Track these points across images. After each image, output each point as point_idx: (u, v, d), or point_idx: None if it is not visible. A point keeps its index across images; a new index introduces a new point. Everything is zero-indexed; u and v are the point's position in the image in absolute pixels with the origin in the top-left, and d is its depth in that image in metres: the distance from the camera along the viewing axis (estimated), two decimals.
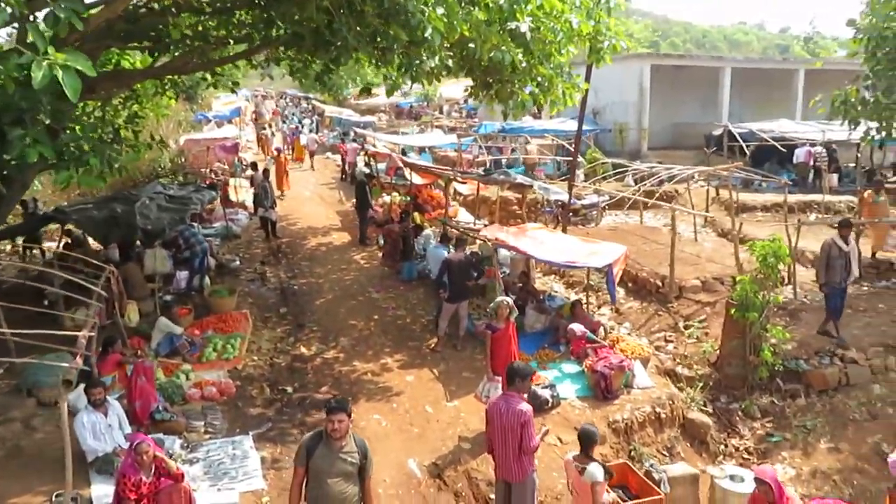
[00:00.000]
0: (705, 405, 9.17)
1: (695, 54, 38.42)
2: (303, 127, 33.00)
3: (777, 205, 18.87)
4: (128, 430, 7.45)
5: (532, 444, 5.82)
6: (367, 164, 21.53)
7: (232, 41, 11.11)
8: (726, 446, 8.81)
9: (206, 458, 7.52)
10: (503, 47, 9.25)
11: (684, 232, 16.96)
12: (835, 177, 20.17)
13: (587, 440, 5.57)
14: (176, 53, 10.65)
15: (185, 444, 7.72)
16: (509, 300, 8.13)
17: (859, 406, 8.95)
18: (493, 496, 7.23)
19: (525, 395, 6.16)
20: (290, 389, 9.28)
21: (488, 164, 20.22)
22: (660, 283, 12.40)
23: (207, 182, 18.46)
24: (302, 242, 16.69)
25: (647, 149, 25.49)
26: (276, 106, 51.14)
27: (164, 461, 6.03)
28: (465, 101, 45.56)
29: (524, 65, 9.82)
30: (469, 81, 11.39)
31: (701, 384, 9.34)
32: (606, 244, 10.88)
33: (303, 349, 10.64)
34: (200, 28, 10.76)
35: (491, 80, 10.90)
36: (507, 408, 5.90)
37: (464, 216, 17.96)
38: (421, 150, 24.14)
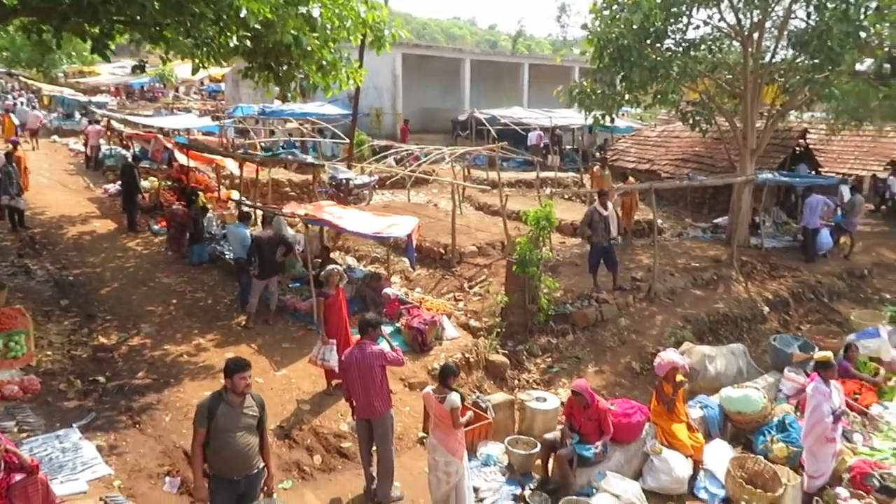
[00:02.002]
0: (499, 349, 10.69)
1: (439, 45, 41.33)
2: (23, 104, 28.93)
3: (519, 181, 21.69)
4: None
5: (398, 355, 6.88)
6: (126, 147, 19.98)
7: None
8: (519, 381, 10.41)
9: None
10: (293, 31, 9.69)
11: (447, 206, 18.79)
12: (558, 158, 23.66)
13: (446, 373, 6.51)
14: None
15: None
16: (339, 268, 8.72)
17: (612, 336, 11.19)
18: (343, 445, 7.91)
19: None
20: (102, 379, 8.79)
21: (259, 147, 20.13)
22: (442, 251, 13.81)
23: None
24: (59, 232, 15.14)
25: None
26: None
27: (15, 454, 5.69)
28: (202, 84, 43.52)
29: (309, 48, 10.33)
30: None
31: (497, 331, 10.82)
32: (401, 217, 11.92)
33: (102, 339, 10.02)
34: None
35: (273, 63, 11.19)
36: (362, 354, 6.66)
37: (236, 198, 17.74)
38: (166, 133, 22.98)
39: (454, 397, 6.41)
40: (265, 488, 5.52)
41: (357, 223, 10.84)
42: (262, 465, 5.46)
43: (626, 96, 14.79)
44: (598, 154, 25.32)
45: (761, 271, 14.48)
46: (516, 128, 22.59)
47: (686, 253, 14.82)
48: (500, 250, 14.09)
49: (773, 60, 15.17)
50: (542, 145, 23.75)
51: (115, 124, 22.58)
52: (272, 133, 24.78)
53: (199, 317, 10.98)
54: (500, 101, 29.78)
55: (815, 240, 15.35)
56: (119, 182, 16.69)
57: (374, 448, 6.89)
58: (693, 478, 7.53)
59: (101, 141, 22.33)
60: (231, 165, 16.34)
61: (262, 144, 23.35)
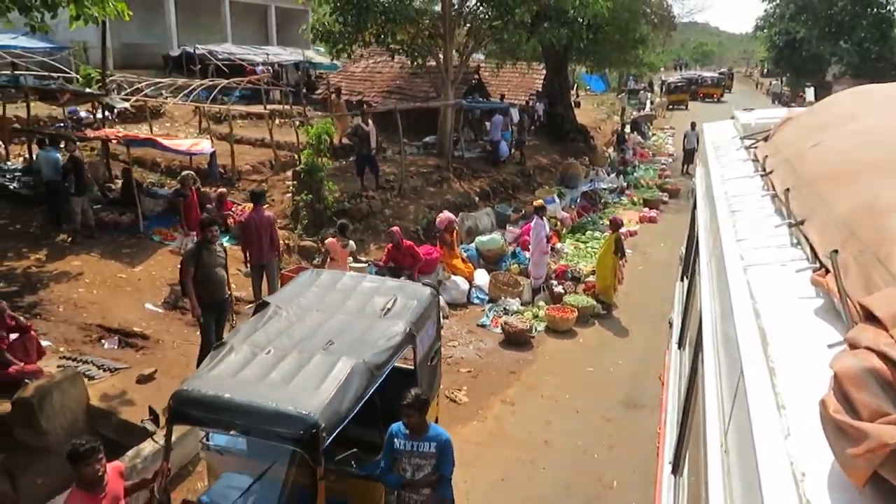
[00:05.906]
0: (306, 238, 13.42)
1: None
2: None
3: (250, 113, 23.52)
4: None
5: (278, 237, 9.39)
6: None
7: None
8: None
9: None
10: None
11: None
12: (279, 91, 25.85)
13: (343, 228, 9.37)
14: None
15: None
16: (192, 173, 10.64)
17: (382, 223, 14.57)
18: None
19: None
20: None
21: None
22: (222, 170, 15.70)
23: None
24: None
25: (113, 67, 26.34)
26: None
27: (13, 317, 7.15)
28: None
29: None
30: None
31: (304, 223, 13.48)
32: (195, 139, 13.67)
33: None
34: None
35: None
36: (259, 216, 9.26)
37: None
38: None
39: (352, 243, 9.39)
40: (232, 311, 7.87)
41: (170, 143, 12.44)
42: (229, 293, 7.81)
43: (357, 35, 17.86)
44: (304, 90, 28.07)
45: (467, 174, 19.17)
46: (243, 63, 24.08)
47: (413, 164, 18.79)
48: (270, 168, 16.48)
49: (463, 11, 19.58)
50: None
51: None
52: None
53: (19, 239, 11.61)
54: (200, 37, 30.16)
55: (499, 150, 20.55)
56: None
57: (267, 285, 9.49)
58: (469, 291, 11.51)
59: None
60: None
61: None
